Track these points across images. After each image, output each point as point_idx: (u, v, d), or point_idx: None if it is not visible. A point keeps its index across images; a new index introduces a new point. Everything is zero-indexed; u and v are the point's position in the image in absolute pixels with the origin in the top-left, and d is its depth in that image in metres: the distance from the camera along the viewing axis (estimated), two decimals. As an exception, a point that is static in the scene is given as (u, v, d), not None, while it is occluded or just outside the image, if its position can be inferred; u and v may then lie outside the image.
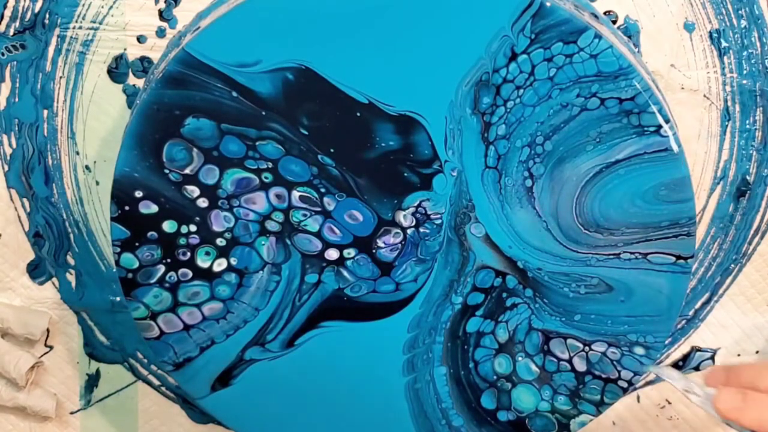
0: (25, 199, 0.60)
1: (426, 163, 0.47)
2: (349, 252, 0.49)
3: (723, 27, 0.56)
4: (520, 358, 0.50)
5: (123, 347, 0.63)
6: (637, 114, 0.45)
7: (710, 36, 0.56)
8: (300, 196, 0.48)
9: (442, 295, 0.50)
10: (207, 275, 0.49)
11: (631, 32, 0.56)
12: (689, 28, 0.56)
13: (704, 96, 0.57)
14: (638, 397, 0.62)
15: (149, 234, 0.48)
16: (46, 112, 0.59)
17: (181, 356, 0.50)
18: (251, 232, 0.48)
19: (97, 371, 0.63)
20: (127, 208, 0.47)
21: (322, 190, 0.47)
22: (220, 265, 0.49)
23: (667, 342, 0.60)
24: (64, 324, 0.62)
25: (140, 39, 0.57)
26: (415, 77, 0.45)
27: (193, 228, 0.48)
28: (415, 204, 0.48)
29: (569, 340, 0.50)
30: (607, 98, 0.45)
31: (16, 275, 0.61)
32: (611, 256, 0.48)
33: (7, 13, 0.57)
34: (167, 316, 0.50)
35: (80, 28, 0.57)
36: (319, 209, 0.48)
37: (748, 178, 0.58)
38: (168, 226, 0.48)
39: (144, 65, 0.57)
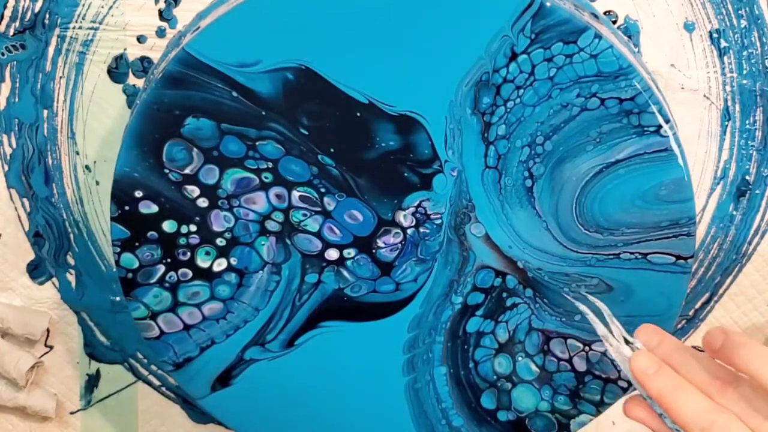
0: (25, 199, 0.60)
1: (426, 163, 0.47)
2: (349, 252, 0.49)
3: (723, 27, 0.56)
4: (520, 358, 0.50)
5: (123, 347, 0.63)
6: (637, 114, 0.45)
7: (710, 36, 0.56)
8: (300, 196, 0.48)
9: (442, 295, 0.50)
10: (207, 275, 0.49)
11: (631, 32, 0.56)
12: (689, 28, 0.56)
13: (704, 96, 0.57)
14: (638, 397, 0.62)
15: (149, 234, 0.48)
16: (46, 112, 0.59)
17: (181, 356, 0.50)
18: (251, 232, 0.48)
19: (97, 371, 0.63)
20: (127, 208, 0.47)
21: (322, 190, 0.47)
22: (220, 265, 0.49)
23: (667, 342, 0.60)
24: (64, 324, 0.62)
25: (140, 39, 0.57)
26: (415, 77, 0.45)
27: (193, 228, 0.48)
28: (415, 204, 0.48)
29: (569, 340, 0.50)
30: (607, 98, 0.45)
31: (16, 275, 0.61)
32: (611, 256, 0.48)
33: (7, 13, 0.57)
34: (167, 316, 0.50)
35: (80, 28, 0.57)
36: (319, 209, 0.48)
37: (748, 178, 0.58)
38: (168, 226, 0.48)
39: (144, 65, 0.57)
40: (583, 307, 0.47)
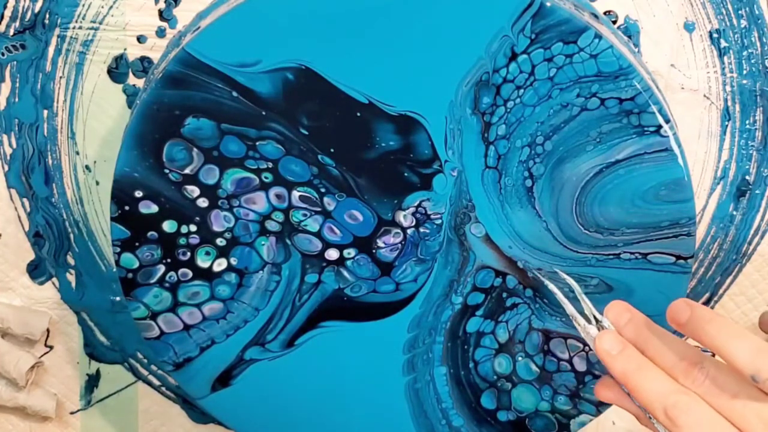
0: (25, 199, 0.60)
1: (426, 163, 0.47)
2: (349, 252, 0.49)
3: (723, 27, 0.56)
4: (520, 358, 0.50)
5: (123, 347, 0.63)
6: (637, 114, 0.45)
7: (710, 36, 0.56)
8: (300, 196, 0.48)
9: (442, 295, 0.50)
10: (207, 275, 0.49)
11: (631, 32, 0.56)
12: (689, 28, 0.56)
13: (704, 96, 0.57)
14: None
15: (149, 234, 0.48)
16: (46, 112, 0.59)
17: (181, 356, 0.50)
18: (251, 232, 0.48)
19: (97, 371, 0.63)
20: (127, 208, 0.47)
21: (322, 190, 0.47)
22: (220, 265, 0.49)
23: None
24: (64, 324, 0.62)
25: (140, 39, 0.57)
26: (415, 77, 0.45)
27: (193, 228, 0.48)
28: (415, 204, 0.48)
29: (569, 340, 0.50)
30: (607, 98, 0.45)
31: (16, 275, 0.61)
32: (611, 256, 0.48)
33: (7, 13, 0.57)
34: (167, 316, 0.50)
35: (80, 28, 0.57)
36: (319, 209, 0.48)
37: (748, 178, 0.58)
38: (168, 226, 0.48)
39: (144, 65, 0.57)
40: (552, 287, 0.47)
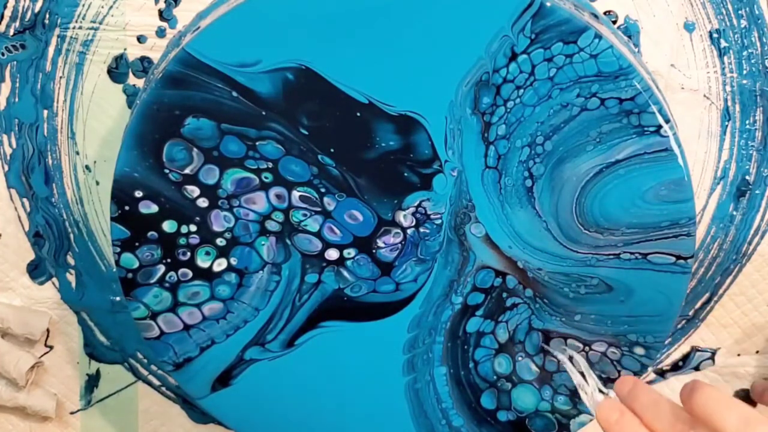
0: (25, 199, 0.60)
1: (426, 163, 0.47)
2: (349, 252, 0.49)
3: (723, 27, 0.56)
4: (520, 358, 0.50)
5: (123, 347, 0.63)
6: (637, 114, 0.45)
7: (710, 36, 0.56)
8: (300, 196, 0.48)
9: (442, 295, 0.50)
10: (207, 275, 0.49)
11: (631, 32, 0.56)
12: (689, 28, 0.56)
13: (704, 96, 0.57)
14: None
15: (149, 234, 0.48)
16: (46, 112, 0.59)
17: (181, 356, 0.50)
18: (251, 232, 0.48)
19: (97, 371, 0.63)
20: (127, 208, 0.47)
21: (322, 190, 0.47)
22: (220, 265, 0.49)
23: (667, 342, 0.60)
24: (64, 324, 0.62)
25: (140, 39, 0.57)
26: (415, 77, 0.45)
27: (193, 228, 0.48)
28: (415, 204, 0.48)
29: (569, 340, 0.50)
30: (607, 98, 0.45)
31: (16, 275, 0.61)
32: (611, 256, 0.48)
33: (7, 13, 0.57)
34: (167, 316, 0.50)
35: (80, 28, 0.57)
36: (319, 209, 0.48)
37: (748, 178, 0.58)
38: (168, 226, 0.48)
39: (144, 65, 0.58)
40: (561, 356, 0.48)
